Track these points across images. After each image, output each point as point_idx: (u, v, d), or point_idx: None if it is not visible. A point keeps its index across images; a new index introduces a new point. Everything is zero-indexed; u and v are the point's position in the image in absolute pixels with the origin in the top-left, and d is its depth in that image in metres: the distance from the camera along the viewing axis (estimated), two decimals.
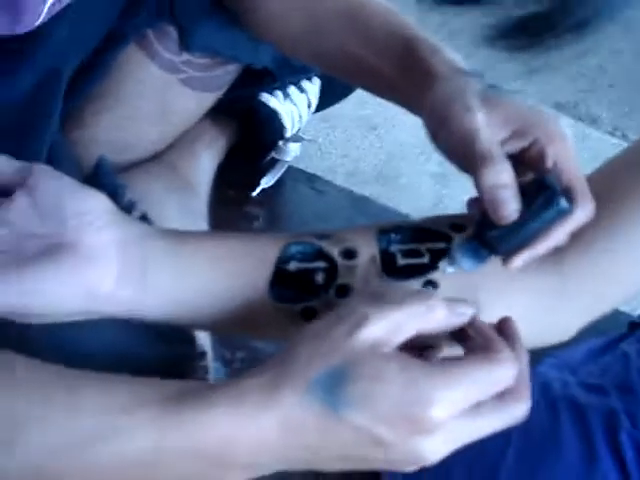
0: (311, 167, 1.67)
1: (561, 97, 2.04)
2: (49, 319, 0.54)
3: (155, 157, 0.86)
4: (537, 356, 0.90)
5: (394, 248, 0.59)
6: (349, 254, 0.58)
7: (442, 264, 0.58)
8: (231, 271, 0.57)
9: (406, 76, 0.65)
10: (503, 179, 0.55)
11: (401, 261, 0.59)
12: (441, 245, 0.59)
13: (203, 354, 0.60)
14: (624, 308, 1.10)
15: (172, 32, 0.82)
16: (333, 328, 0.48)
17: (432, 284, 0.58)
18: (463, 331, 0.51)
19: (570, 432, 0.74)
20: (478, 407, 0.48)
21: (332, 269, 0.58)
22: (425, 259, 0.59)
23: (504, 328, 0.53)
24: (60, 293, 0.52)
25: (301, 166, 1.67)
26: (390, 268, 0.58)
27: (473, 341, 0.51)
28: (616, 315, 1.03)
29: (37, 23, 0.59)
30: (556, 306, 0.61)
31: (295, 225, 0.97)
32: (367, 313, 0.48)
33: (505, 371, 0.48)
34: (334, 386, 0.46)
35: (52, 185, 0.54)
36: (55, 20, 0.69)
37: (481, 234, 0.57)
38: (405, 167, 1.74)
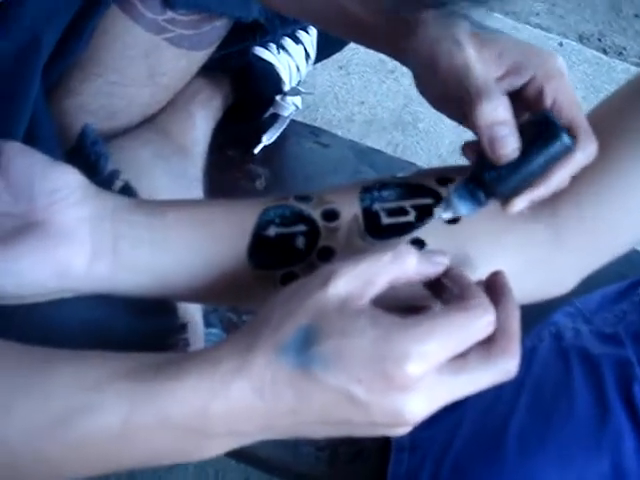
0: (327, 116, 1.65)
1: (585, 29, 1.97)
2: (25, 300, 0.53)
3: (147, 122, 0.84)
4: (552, 304, 0.88)
5: (377, 206, 0.57)
6: (330, 215, 0.56)
7: (437, 210, 0.55)
8: (209, 240, 0.55)
9: (389, 23, 0.62)
10: (501, 115, 0.52)
11: (385, 220, 0.56)
12: (428, 201, 0.57)
13: (184, 326, 0.59)
14: None
15: None
16: (302, 288, 0.47)
17: (419, 243, 0.56)
18: (440, 283, 0.49)
19: (582, 383, 0.72)
20: (462, 363, 0.46)
21: (313, 232, 0.55)
22: (411, 217, 0.56)
23: (493, 281, 0.51)
24: (34, 273, 0.51)
25: (316, 116, 1.64)
26: (374, 228, 0.56)
27: (449, 292, 0.49)
28: (635, 258, 1.00)
29: None
30: (551, 259, 0.58)
31: (299, 182, 0.95)
32: (335, 269, 0.46)
33: (480, 318, 0.46)
34: (305, 345, 0.44)
35: (24, 163, 0.53)
36: None
37: (479, 176, 0.54)
38: (424, 111, 1.70)
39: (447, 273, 0.50)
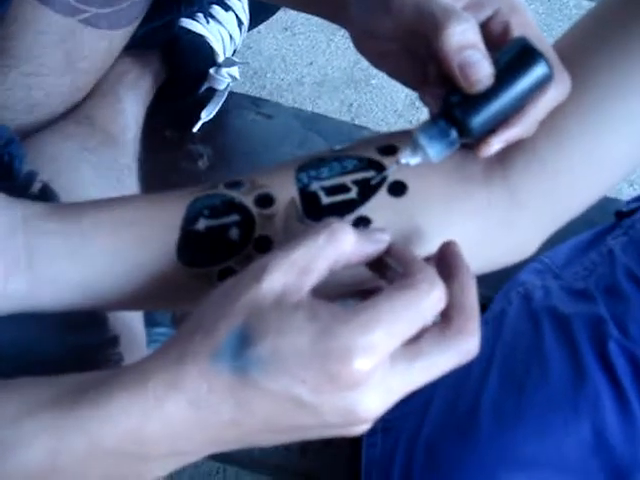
0: (276, 81, 1.59)
1: None
2: None
3: (71, 112, 0.78)
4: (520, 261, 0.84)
5: (315, 186, 0.52)
6: (265, 201, 0.51)
7: (402, 155, 0.49)
8: (134, 242, 0.50)
9: None
10: (471, 37, 0.47)
11: (325, 200, 0.51)
12: (369, 174, 0.52)
13: (115, 339, 0.54)
14: (611, 193, 1.03)
15: None
16: (233, 286, 0.42)
17: (364, 221, 0.51)
18: (383, 262, 0.45)
19: (554, 346, 0.68)
20: (416, 348, 0.42)
21: (247, 221, 0.51)
22: (353, 194, 0.52)
23: (444, 253, 0.47)
24: None
25: (264, 82, 1.58)
26: (313, 209, 0.51)
27: (394, 271, 0.44)
28: (604, 203, 0.96)
29: None
30: (509, 221, 0.53)
31: (244, 157, 0.90)
32: (267, 262, 0.42)
33: (427, 295, 0.42)
34: (240, 348, 0.40)
35: None
36: None
37: (449, 111, 0.48)
38: None
39: (389, 250, 0.45)
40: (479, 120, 0.48)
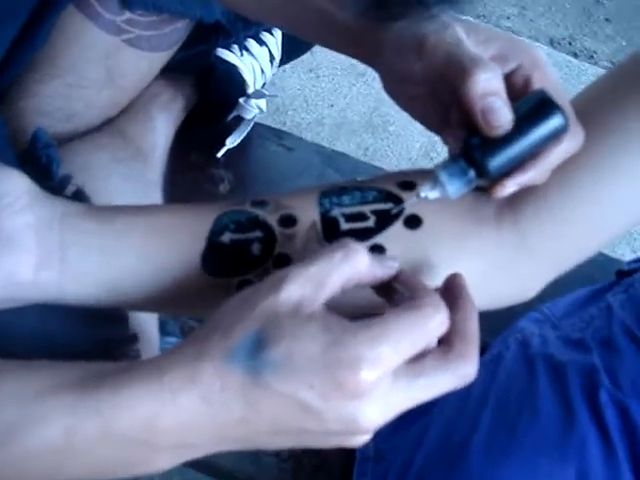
0: (297, 119, 1.63)
1: (556, 33, 1.97)
2: None
3: (105, 124, 0.82)
4: (519, 310, 0.87)
5: (336, 212, 0.55)
6: (288, 221, 0.54)
7: (422, 188, 0.52)
8: (162, 247, 0.53)
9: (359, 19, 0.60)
10: (495, 85, 0.50)
11: (344, 225, 0.55)
12: (388, 206, 0.55)
13: (135, 336, 0.57)
14: (614, 254, 1.06)
15: None
16: (253, 294, 0.45)
17: (379, 249, 0.54)
18: (391, 287, 0.48)
19: (547, 391, 0.71)
20: (419, 367, 0.45)
21: (270, 238, 0.54)
22: (370, 222, 0.55)
23: (450, 284, 0.50)
24: None
25: (285, 120, 1.62)
26: (332, 233, 0.54)
27: (401, 295, 0.47)
28: (606, 263, 0.99)
29: None
30: (515, 263, 0.57)
31: (263, 185, 0.93)
32: (286, 273, 0.45)
33: (431, 317, 0.45)
34: (255, 351, 0.43)
35: None
36: None
37: (468, 152, 0.51)
38: (395, 114, 1.69)
39: (398, 277, 0.49)
40: (496, 162, 0.51)
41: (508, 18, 1.99)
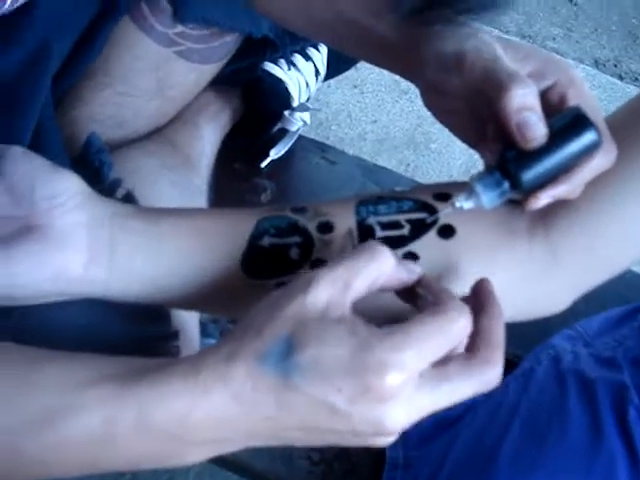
0: (340, 134, 1.66)
1: (601, 54, 1.97)
2: (19, 302, 0.54)
3: (154, 133, 0.85)
4: (554, 327, 0.88)
5: (372, 220, 0.57)
6: (325, 228, 0.57)
7: (457, 199, 0.54)
8: (204, 249, 0.56)
9: (403, 31, 0.62)
10: (531, 101, 0.52)
11: (379, 233, 0.57)
12: (422, 215, 0.57)
13: (176, 334, 0.59)
14: None
15: (165, 4, 0.80)
16: (282, 296, 0.47)
17: (412, 256, 0.56)
18: (415, 292, 0.50)
19: (577, 406, 0.71)
20: (444, 371, 0.46)
21: (308, 244, 0.56)
22: (405, 231, 0.57)
23: (478, 289, 0.51)
24: (30, 276, 0.52)
25: (328, 134, 1.65)
26: (367, 241, 0.56)
27: (424, 300, 0.49)
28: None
29: (6, 5, 0.59)
30: (546, 275, 0.58)
31: (305, 197, 0.95)
32: (313, 276, 0.47)
33: (455, 322, 0.46)
34: (285, 354, 0.45)
35: (25, 168, 0.54)
36: None
37: (504, 165, 0.53)
38: (437, 132, 1.71)
39: (421, 281, 0.50)
40: (530, 175, 0.53)
41: (554, 39, 1.99)
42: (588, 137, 0.52)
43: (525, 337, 0.80)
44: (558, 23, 2.04)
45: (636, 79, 1.93)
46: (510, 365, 0.87)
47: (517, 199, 0.56)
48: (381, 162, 1.61)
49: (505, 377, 0.80)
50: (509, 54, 0.55)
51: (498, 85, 0.52)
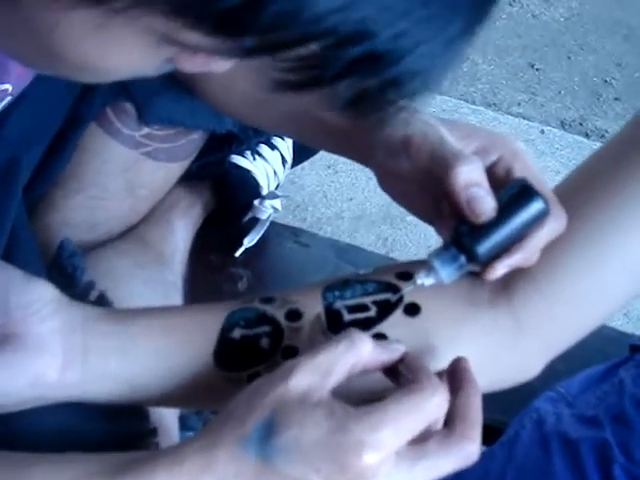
0: (317, 214, 1.68)
1: (567, 115, 2.02)
2: (0, 409, 0.54)
3: (127, 231, 0.87)
4: (536, 390, 0.88)
5: (339, 304, 0.59)
6: (294, 315, 0.58)
7: (418, 276, 0.56)
8: (177, 345, 0.57)
9: (351, 122, 0.65)
10: (477, 176, 0.55)
11: (347, 317, 0.58)
12: (387, 296, 0.59)
13: (154, 430, 0.60)
14: (629, 330, 1.07)
15: (129, 107, 0.83)
16: (264, 384, 0.49)
17: (381, 337, 0.58)
18: (396, 370, 0.51)
19: (562, 468, 0.72)
20: (422, 448, 0.47)
21: (277, 332, 0.57)
22: (372, 312, 0.58)
23: (454, 367, 0.53)
24: (8, 384, 0.53)
25: (305, 215, 1.68)
26: (336, 325, 0.58)
27: (404, 377, 0.50)
28: (618, 338, 1.01)
29: None
30: (513, 344, 0.59)
31: (281, 281, 0.97)
32: (294, 364, 0.49)
33: (430, 400, 0.48)
34: (266, 437, 0.46)
35: (0, 279, 0.56)
36: (9, 112, 0.71)
37: (458, 240, 0.55)
38: None
39: (403, 359, 0.52)
40: (485, 247, 0.55)
41: (519, 104, 2.04)
42: (535, 207, 0.55)
43: (509, 402, 0.80)
44: (522, 88, 2.10)
45: (602, 136, 1.97)
46: (497, 432, 0.88)
47: (476, 271, 0.58)
48: (359, 238, 1.63)
49: (491, 444, 0.81)
50: (454, 134, 0.58)
51: (445, 165, 0.55)
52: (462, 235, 0.55)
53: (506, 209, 0.55)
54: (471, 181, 0.54)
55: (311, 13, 0.34)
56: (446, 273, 0.56)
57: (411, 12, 0.35)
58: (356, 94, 0.39)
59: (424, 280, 0.56)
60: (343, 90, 0.39)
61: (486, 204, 0.54)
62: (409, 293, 0.58)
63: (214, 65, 0.43)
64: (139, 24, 0.37)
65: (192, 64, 0.42)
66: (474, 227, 0.55)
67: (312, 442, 0.46)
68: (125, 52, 0.40)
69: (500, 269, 0.55)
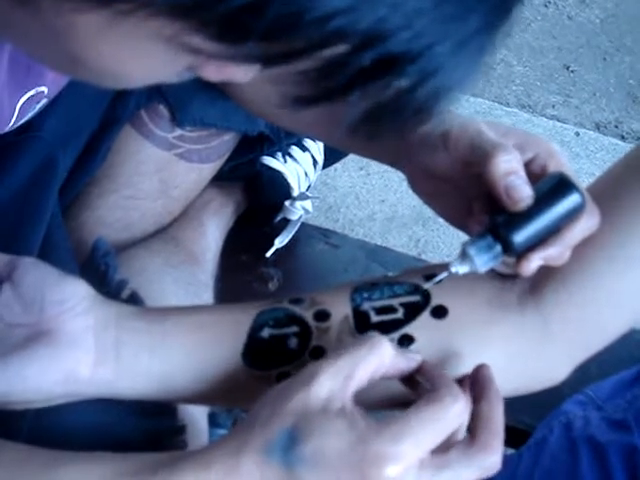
0: (349, 216, 1.69)
1: (602, 117, 2.01)
2: (31, 405, 0.56)
3: (160, 231, 0.88)
4: (565, 393, 0.88)
5: (367, 306, 0.59)
6: (322, 316, 0.59)
7: (452, 264, 0.56)
8: (206, 344, 0.58)
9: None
10: (515, 166, 0.55)
11: (374, 318, 0.59)
12: (416, 298, 0.59)
13: (183, 428, 0.61)
14: None
15: (163, 110, 0.85)
16: (288, 388, 0.50)
17: (408, 338, 0.58)
18: (414, 379, 0.52)
19: (589, 472, 0.72)
20: (444, 459, 0.48)
21: (305, 332, 0.58)
22: (399, 314, 0.59)
23: (476, 376, 0.53)
24: (41, 379, 0.55)
25: (338, 216, 1.68)
26: (363, 326, 0.58)
27: (423, 387, 0.51)
28: None
29: (7, 128, 0.63)
30: (540, 350, 0.59)
31: (311, 281, 0.98)
32: (316, 369, 0.50)
33: (450, 408, 0.48)
34: (290, 446, 0.47)
35: (35, 277, 0.57)
36: (45, 114, 0.72)
37: (494, 229, 0.55)
38: None
39: (420, 369, 0.52)
40: (521, 237, 0.55)
41: (553, 106, 2.03)
42: (573, 199, 0.55)
43: (538, 406, 0.80)
44: (556, 90, 2.08)
45: (638, 138, 1.95)
46: (524, 435, 0.88)
47: (507, 272, 0.58)
48: (391, 240, 1.63)
49: (519, 447, 0.80)
50: (491, 131, 0.58)
51: (484, 154, 0.56)
52: (499, 224, 0.55)
53: (543, 200, 0.55)
54: (509, 170, 0.55)
55: (315, 15, 0.33)
56: (481, 261, 0.55)
57: (424, 11, 0.34)
58: (371, 108, 0.39)
59: (458, 268, 0.56)
60: (357, 107, 0.39)
61: (524, 192, 0.54)
62: (439, 296, 0.58)
63: (235, 74, 0.43)
64: (147, 28, 0.37)
65: (212, 72, 0.43)
66: (511, 217, 0.55)
67: (334, 453, 0.47)
68: (140, 57, 0.41)
69: (535, 261, 0.55)
